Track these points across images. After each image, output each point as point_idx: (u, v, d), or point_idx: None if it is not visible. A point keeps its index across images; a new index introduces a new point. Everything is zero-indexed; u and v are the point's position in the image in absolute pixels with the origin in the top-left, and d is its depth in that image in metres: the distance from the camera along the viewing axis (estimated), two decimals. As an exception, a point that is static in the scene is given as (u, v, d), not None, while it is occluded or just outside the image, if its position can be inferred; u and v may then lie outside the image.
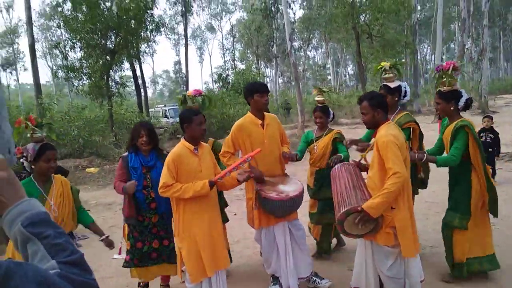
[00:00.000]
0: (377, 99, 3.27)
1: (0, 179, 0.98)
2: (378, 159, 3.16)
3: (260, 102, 3.86)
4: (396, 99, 4.20)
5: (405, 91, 4.24)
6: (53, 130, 3.58)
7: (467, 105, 3.84)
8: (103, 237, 3.51)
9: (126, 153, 3.94)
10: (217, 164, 3.65)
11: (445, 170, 4.04)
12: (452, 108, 3.79)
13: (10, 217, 0.96)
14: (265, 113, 4.01)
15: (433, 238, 4.95)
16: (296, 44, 39.55)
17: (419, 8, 37.37)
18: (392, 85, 4.19)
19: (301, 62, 46.14)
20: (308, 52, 50.51)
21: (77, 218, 3.42)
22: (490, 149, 7.64)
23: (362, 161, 3.60)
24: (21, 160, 3.14)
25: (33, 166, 3.14)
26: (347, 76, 56.37)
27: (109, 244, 3.55)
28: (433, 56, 42.37)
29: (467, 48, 33.04)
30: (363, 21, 21.50)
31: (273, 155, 3.93)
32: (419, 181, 4.34)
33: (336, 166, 3.59)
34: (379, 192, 3.04)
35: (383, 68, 4.32)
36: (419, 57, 43.09)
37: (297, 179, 3.96)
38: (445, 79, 3.81)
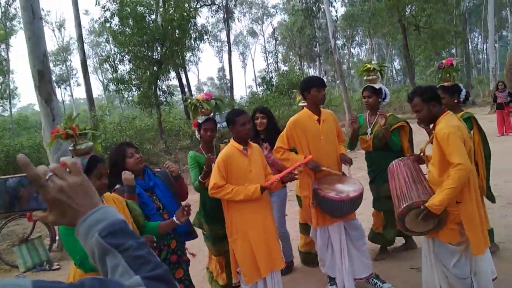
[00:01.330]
0: (428, 93, 3.09)
1: (72, 185, 0.88)
2: (439, 152, 2.98)
3: (317, 97, 3.75)
4: (380, 100, 4.38)
5: (385, 94, 4.42)
6: (97, 139, 2.77)
7: (467, 98, 4.14)
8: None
9: (117, 186, 3.12)
10: (267, 164, 3.61)
11: (508, 162, 3.81)
12: (456, 101, 4.02)
13: (85, 227, 0.86)
14: (321, 108, 3.91)
15: (502, 232, 4.64)
16: (339, 42, 39.01)
17: (468, -5, 35.79)
18: (377, 86, 4.34)
19: (345, 60, 45.43)
20: (352, 49, 49.68)
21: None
22: None
23: (421, 155, 3.43)
24: None
25: None
26: (394, 71, 54.79)
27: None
28: (485, 45, 40.43)
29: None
30: (409, 13, 20.80)
31: (329, 152, 3.78)
32: None
33: (393, 161, 3.44)
34: (442, 187, 2.87)
35: (369, 69, 4.43)
36: (470, 47, 41.20)
37: (356, 179, 3.81)
38: (448, 74, 4.08)
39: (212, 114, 3.96)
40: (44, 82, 5.43)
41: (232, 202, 3.30)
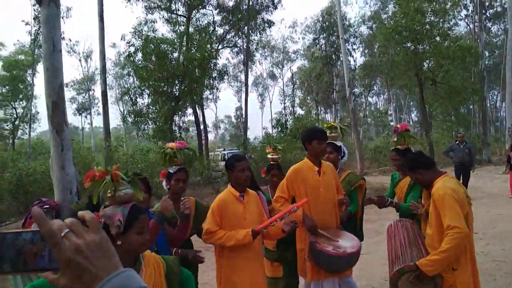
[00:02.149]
0: (410, 164, 3.21)
1: (91, 244, 0.78)
2: (435, 215, 2.94)
3: (319, 149, 3.77)
4: (339, 157, 4.47)
5: (344, 152, 4.57)
6: (139, 186, 2.19)
7: None
8: None
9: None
10: (264, 212, 3.57)
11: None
12: None
13: None
14: (322, 161, 3.92)
15: (504, 303, 4.46)
16: (357, 90, 39.38)
17: (487, 54, 36.06)
18: (338, 143, 4.47)
19: (362, 108, 45.68)
20: (370, 98, 50.05)
21: None
22: None
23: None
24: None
25: (118, 242, 1.88)
26: (411, 122, 54.74)
27: None
28: (503, 103, 40.30)
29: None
30: (426, 67, 21.02)
31: (328, 205, 3.76)
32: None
33: (391, 222, 3.40)
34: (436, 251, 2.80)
35: (332, 126, 4.62)
36: (488, 104, 41.09)
37: (352, 235, 3.75)
38: (403, 139, 4.38)
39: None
40: (57, 113, 5.57)
41: (223, 248, 3.26)
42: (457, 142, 12.07)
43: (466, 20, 32.31)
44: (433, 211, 2.95)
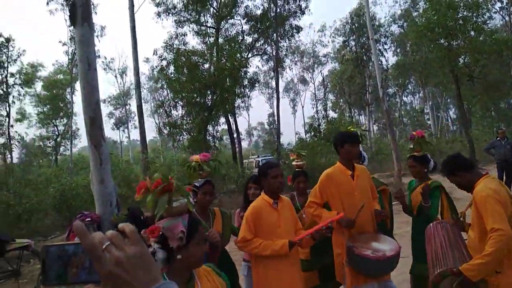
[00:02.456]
0: (448, 167, 3.13)
1: (131, 257, 0.77)
2: (477, 217, 2.86)
3: (351, 152, 3.74)
4: (360, 163, 4.45)
5: (364, 158, 4.64)
6: (189, 195, 2.02)
7: (435, 167, 4.40)
8: None
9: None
10: (298, 219, 3.57)
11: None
12: (426, 170, 4.28)
13: None
14: (355, 164, 3.89)
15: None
16: (390, 90, 38.65)
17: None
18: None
19: (397, 108, 44.73)
20: (404, 98, 48.94)
21: None
22: None
23: (461, 219, 3.30)
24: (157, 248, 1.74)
25: (179, 256, 1.76)
26: (449, 120, 53.12)
27: None
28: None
29: None
30: (462, 63, 20.41)
31: (365, 209, 3.67)
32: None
33: (431, 224, 3.32)
34: (480, 254, 2.72)
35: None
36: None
37: (391, 238, 3.69)
38: (419, 146, 4.37)
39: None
40: (94, 128, 5.74)
41: (260, 258, 3.27)
42: (498, 139, 11.64)
43: (501, 13, 31.10)
44: (475, 213, 2.87)
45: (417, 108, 50.44)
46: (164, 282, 0.78)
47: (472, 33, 19.58)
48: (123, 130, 50.17)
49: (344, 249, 3.59)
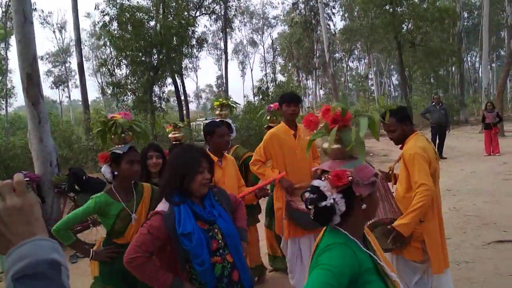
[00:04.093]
0: (402, 113, 3.22)
1: (10, 208, 0.75)
2: (405, 172, 3.09)
3: (287, 112, 3.90)
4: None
5: (232, 129, 4.62)
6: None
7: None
8: None
9: (164, 206, 2.15)
10: (240, 176, 3.68)
11: (489, 182, 3.89)
12: None
13: (9, 262, 0.71)
14: (298, 124, 4.02)
15: (470, 253, 4.71)
16: (337, 55, 39.31)
17: (465, 15, 36.18)
18: (229, 121, 4.64)
19: (343, 73, 45.72)
20: (350, 63, 50.01)
21: None
22: None
23: (389, 173, 3.53)
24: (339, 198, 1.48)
25: (364, 206, 1.55)
26: (392, 86, 55.15)
27: None
28: (481, 65, 40.85)
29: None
30: (405, 30, 21.06)
31: (303, 167, 3.86)
32: None
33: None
34: (408, 209, 2.95)
35: (223, 104, 4.82)
36: (467, 66, 41.57)
37: None
38: (275, 117, 4.67)
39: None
40: (32, 85, 5.52)
41: None
42: (433, 104, 12.31)
43: (445, -19, 32.15)
44: (403, 169, 3.09)
45: (362, 73, 51.77)
46: (36, 238, 0.73)
47: (416, 0, 20.14)
48: (63, 89, 47.79)
49: (284, 204, 3.77)
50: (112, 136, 2.80)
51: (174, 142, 4.43)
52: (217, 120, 4.28)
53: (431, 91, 29.15)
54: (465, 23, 35.11)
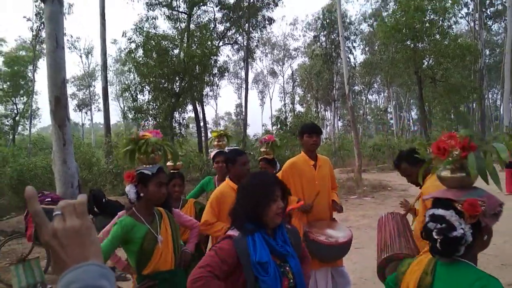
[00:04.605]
0: (413, 155, 3.24)
1: (68, 230, 0.75)
2: (422, 209, 3.08)
3: (308, 143, 3.94)
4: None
5: (277, 166, 4.68)
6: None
7: (280, 169, 4.41)
8: None
9: (234, 231, 2.05)
10: None
11: (508, 223, 3.82)
12: (274, 172, 4.31)
13: (61, 285, 0.70)
14: (318, 155, 4.06)
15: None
16: (356, 88, 39.47)
17: (487, 52, 36.13)
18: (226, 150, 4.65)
19: (362, 106, 45.74)
20: (370, 96, 50.08)
21: None
22: None
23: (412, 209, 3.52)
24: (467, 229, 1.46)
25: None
26: (411, 120, 54.86)
27: None
28: (502, 102, 40.40)
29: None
30: (425, 65, 21.14)
31: (323, 197, 3.91)
32: None
33: (383, 214, 3.53)
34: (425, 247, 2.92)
35: (221, 134, 4.92)
36: (488, 103, 41.18)
37: (345, 226, 3.90)
38: (272, 149, 4.62)
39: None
40: (59, 108, 5.69)
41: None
42: (454, 140, 12.19)
43: (467, 18, 32.35)
44: (421, 207, 3.09)
45: (381, 106, 51.72)
46: (87, 263, 0.72)
47: (438, 36, 20.28)
48: (86, 112, 48.95)
49: (301, 235, 3.76)
50: (141, 156, 2.61)
51: (172, 171, 4.08)
52: (236, 148, 4.35)
53: (451, 127, 28.89)
54: (487, 60, 35.02)
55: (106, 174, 14.43)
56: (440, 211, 1.51)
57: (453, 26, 23.41)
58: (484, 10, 28.68)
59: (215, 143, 4.85)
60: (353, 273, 5.27)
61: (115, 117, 47.69)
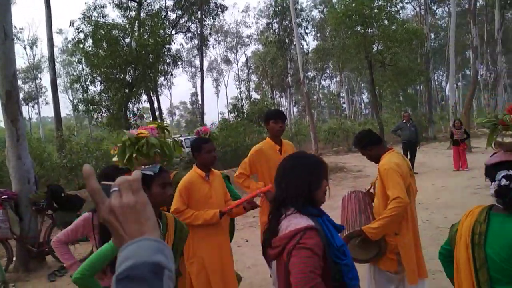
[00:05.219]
0: (363, 141, 3.46)
1: (124, 206, 0.76)
2: (381, 187, 3.26)
3: (274, 129, 4.04)
4: None
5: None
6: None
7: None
8: None
9: (304, 221, 1.88)
10: (227, 191, 3.77)
11: (459, 196, 4.11)
12: None
13: (119, 260, 0.71)
14: (282, 140, 4.17)
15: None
16: (310, 74, 40.07)
17: (432, 36, 37.65)
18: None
19: (316, 91, 46.57)
20: (323, 81, 51.04)
21: None
22: None
23: (371, 190, 3.71)
24: None
25: None
26: (362, 104, 56.49)
27: None
28: (448, 83, 42.35)
29: (481, 75, 33.08)
30: (375, 50, 21.77)
31: None
32: None
33: (346, 193, 3.70)
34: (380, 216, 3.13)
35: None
36: (434, 84, 43.09)
37: None
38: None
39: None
40: (11, 102, 5.49)
41: (190, 226, 3.42)
42: (404, 121, 12.77)
43: (413, 4, 33.50)
44: (380, 184, 3.28)
45: (334, 91, 52.88)
46: (142, 239, 0.73)
47: (386, 22, 20.89)
48: (33, 106, 46.76)
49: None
50: (141, 157, 2.38)
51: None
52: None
53: (401, 109, 30.08)
54: (432, 44, 36.53)
55: (60, 169, 13.95)
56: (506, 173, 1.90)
57: (400, 12, 24.17)
58: (428, -5, 29.83)
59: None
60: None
61: (65, 109, 45.79)
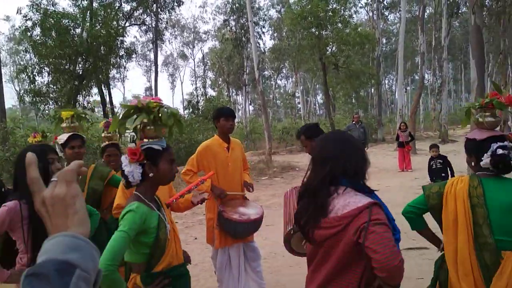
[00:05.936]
0: (311, 131, 3.54)
1: (55, 198, 0.73)
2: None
3: (225, 126, 4.07)
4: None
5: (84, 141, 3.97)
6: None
7: None
8: None
9: (359, 199, 1.87)
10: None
11: (402, 196, 4.29)
12: None
13: (38, 256, 0.68)
14: (231, 137, 4.21)
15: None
16: (266, 73, 40.41)
17: (384, 41, 39.06)
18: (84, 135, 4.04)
19: (272, 90, 46.97)
20: (279, 81, 51.58)
21: None
22: (443, 174, 8.13)
23: None
24: None
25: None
26: (317, 104, 57.60)
27: None
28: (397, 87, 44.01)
29: (427, 80, 34.71)
30: (329, 52, 22.31)
31: (235, 179, 4.11)
32: None
33: (288, 189, 3.79)
34: None
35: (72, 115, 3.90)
36: (385, 88, 44.70)
37: (257, 203, 4.14)
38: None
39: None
40: None
41: None
42: (354, 122, 13.19)
43: (366, 8, 34.52)
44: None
45: (289, 91, 53.55)
46: (60, 234, 0.69)
47: (340, 25, 21.45)
48: (-25, 96, 44.03)
49: (216, 214, 3.92)
50: (150, 127, 2.19)
51: (108, 142, 3.92)
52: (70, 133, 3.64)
53: (353, 110, 30.99)
54: (384, 49, 37.91)
55: (2, 162, 13.28)
56: (506, 143, 2.25)
57: (354, 16, 24.95)
58: (381, 1, 30.83)
59: (64, 125, 3.82)
60: (264, 248, 5.57)
61: (10, 100, 43.49)
